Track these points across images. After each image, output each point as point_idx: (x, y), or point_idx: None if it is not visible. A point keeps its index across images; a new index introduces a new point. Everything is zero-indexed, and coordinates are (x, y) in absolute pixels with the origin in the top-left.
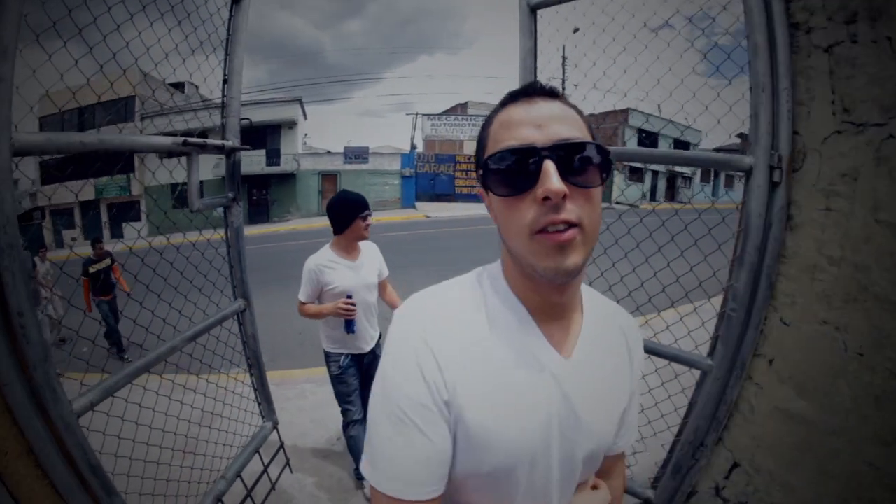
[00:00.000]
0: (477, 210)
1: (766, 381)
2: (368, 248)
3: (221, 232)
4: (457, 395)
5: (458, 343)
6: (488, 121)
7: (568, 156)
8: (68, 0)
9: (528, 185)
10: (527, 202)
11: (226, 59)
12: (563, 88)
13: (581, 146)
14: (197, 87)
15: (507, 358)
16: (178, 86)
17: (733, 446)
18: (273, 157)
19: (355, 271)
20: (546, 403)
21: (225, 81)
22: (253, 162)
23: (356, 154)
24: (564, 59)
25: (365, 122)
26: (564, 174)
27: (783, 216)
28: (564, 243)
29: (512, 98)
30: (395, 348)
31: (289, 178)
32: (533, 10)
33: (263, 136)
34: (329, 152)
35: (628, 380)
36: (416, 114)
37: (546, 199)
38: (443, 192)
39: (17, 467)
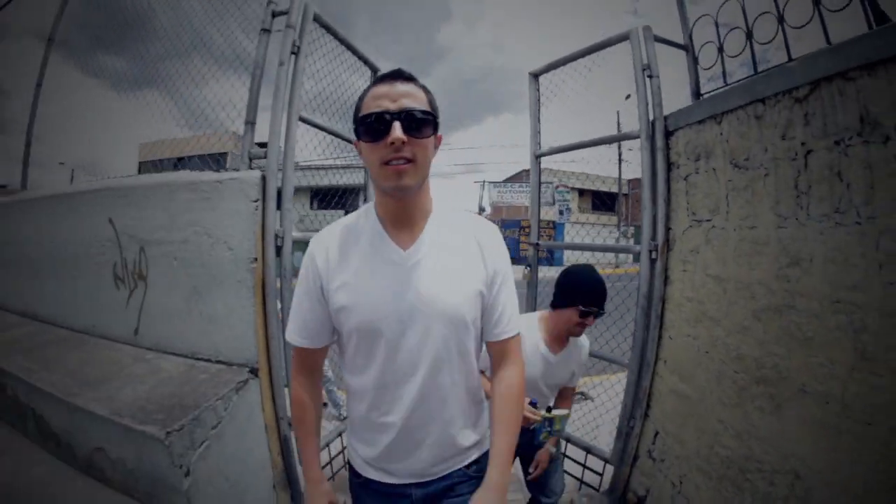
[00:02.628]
0: (544, 273)
1: (664, 373)
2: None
3: None
4: (329, 279)
5: (331, 246)
6: (364, 93)
7: (409, 118)
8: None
9: (382, 136)
10: (381, 146)
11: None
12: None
13: (416, 112)
14: (281, 147)
15: (363, 254)
16: (263, 145)
17: (655, 420)
18: None
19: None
20: (389, 280)
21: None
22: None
23: None
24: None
25: (436, 184)
26: (406, 130)
27: (662, 277)
28: (401, 171)
29: (380, 80)
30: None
31: None
32: (535, 77)
33: (342, 196)
34: None
35: (479, 268)
36: (483, 182)
37: (392, 143)
38: (511, 256)
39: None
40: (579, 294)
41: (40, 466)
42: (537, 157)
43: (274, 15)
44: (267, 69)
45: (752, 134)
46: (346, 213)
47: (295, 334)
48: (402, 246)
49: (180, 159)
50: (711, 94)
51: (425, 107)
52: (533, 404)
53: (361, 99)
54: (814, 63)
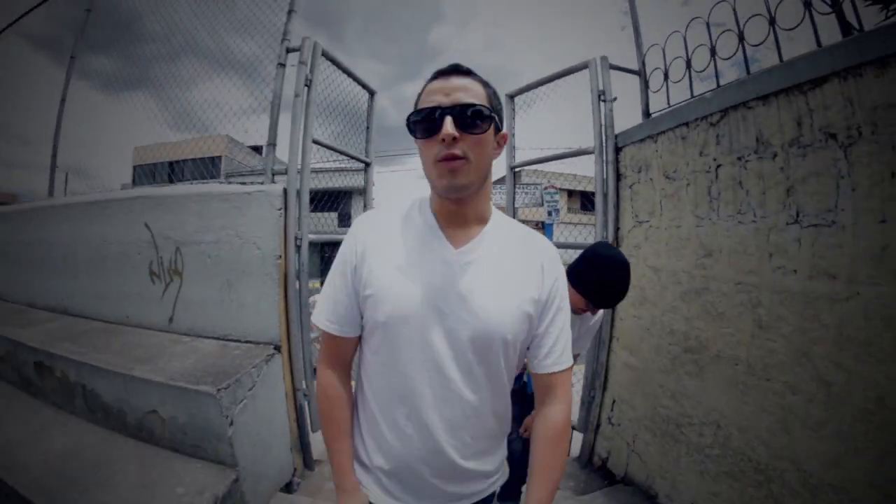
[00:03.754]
0: None
1: (617, 349)
2: None
3: None
4: (364, 262)
5: (375, 229)
6: (422, 89)
7: (462, 113)
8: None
9: (434, 132)
10: (434, 142)
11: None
12: None
13: (470, 106)
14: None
15: (409, 245)
16: (258, 149)
17: (612, 390)
18: (344, 219)
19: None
20: (433, 278)
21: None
22: (326, 224)
23: None
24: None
25: (425, 185)
26: (459, 125)
27: None
28: (454, 168)
29: (436, 75)
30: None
31: None
32: (511, 98)
33: (337, 199)
34: None
35: (534, 290)
36: (514, 167)
37: (443, 140)
38: None
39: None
40: (601, 294)
41: (90, 436)
42: (512, 169)
43: (288, 51)
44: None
45: (678, 151)
46: (340, 215)
47: (323, 317)
48: (454, 244)
49: (174, 163)
50: (655, 115)
51: (482, 101)
52: None
53: (419, 95)
54: (724, 94)
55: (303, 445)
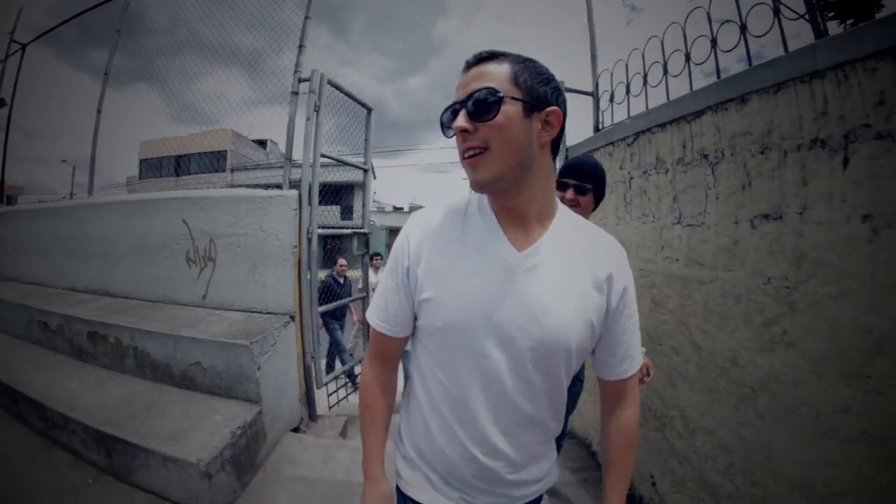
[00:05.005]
0: None
1: None
2: None
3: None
4: (419, 264)
5: (430, 228)
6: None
7: (474, 102)
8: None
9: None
10: (458, 141)
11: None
12: None
13: (476, 92)
14: (277, 143)
15: (469, 247)
16: (262, 143)
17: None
18: (347, 212)
19: None
20: (494, 283)
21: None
22: (330, 216)
23: None
24: None
25: (428, 178)
26: (473, 116)
27: None
28: (473, 163)
29: (464, 67)
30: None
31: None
32: None
33: (339, 193)
34: (395, 208)
35: (601, 295)
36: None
37: (458, 135)
38: None
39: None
40: (560, 171)
41: (141, 386)
42: None
43: (300, 81)
44: (276, 106)
45: (606, 164)
46: (342, 209)
47: (375, 316)
48: (516, 246)
49: (181, 157)
50: (602, 131)
51: (494, 83)
52: None
53: None
54: (636, 121)
55: (309, 400)
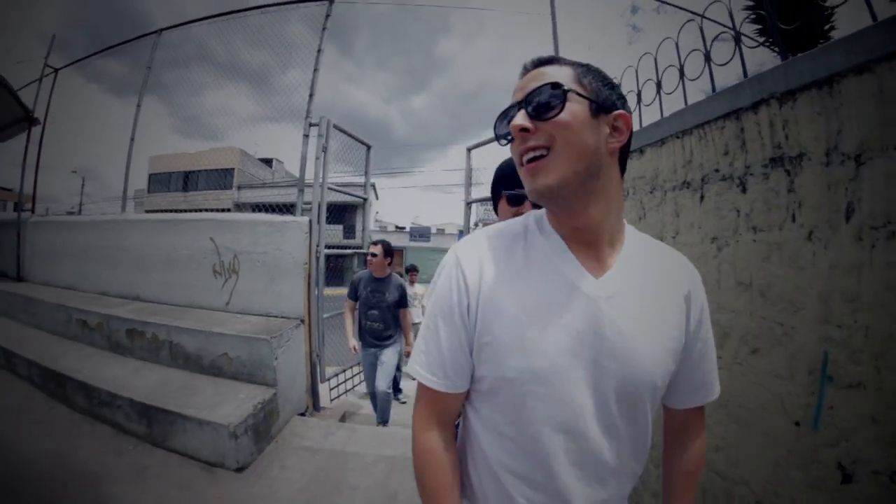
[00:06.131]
0: None
1: None
2: None
3: None
4: (480, 304)
5: (487, 257)
6: None
7: (532, 102)
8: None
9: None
10: (515, 146)
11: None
12: None
13: (535, 90)
14: (282, 162)
15: (537, 276)
16: (268, 161)
17: None
18: (349, 231)
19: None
20: (574, 318)
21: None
22: (333, 235)
23: (420, 234)
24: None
25: (430, 197)
26: (534, 114)
27: None
28: (534, 168)
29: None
30: (442, 268)
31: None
32: (469, 150)
33: (342, 213)
34: (397, 227)
35: (681, 322)
36: (469, 202)
37: (516, 137)
38: None
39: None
40: (500, 181)
41: (175, 374)
42: (468, 204)
43: (311, 125)
44: (281, 123)
45: None
46: (344, 227)
47: (424, 369)
48: (591, 272)
49: (189, 174)
50: None
51: (555, 79)
52: None
53: None
54: None
55: (313, 392)
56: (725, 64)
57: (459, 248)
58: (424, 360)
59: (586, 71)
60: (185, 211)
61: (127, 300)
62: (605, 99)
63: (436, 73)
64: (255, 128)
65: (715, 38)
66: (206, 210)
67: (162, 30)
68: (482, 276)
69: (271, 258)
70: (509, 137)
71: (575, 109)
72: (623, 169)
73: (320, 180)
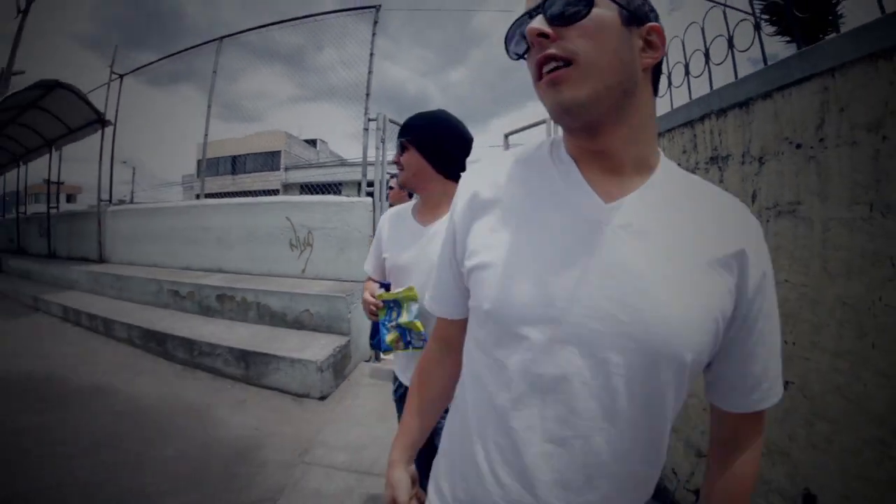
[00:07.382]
0: None
1: None
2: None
3: None
4: (471, 227)
5: (487, 181)
6: None
7: (552, 4)
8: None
9: (527, 44)
10: (531, 56)
11: None
12: None
13: None
14: (326, 142)
15: (534, 197)
16: (312, 142)
17: None
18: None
19: (419, 240)
20: (569, 246)
21: None
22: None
23: None
24: None
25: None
26: (554, 20)
27: None
28: (555, 78)
29: None
30: None
31: None
32: (506, 136)
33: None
34: None
35: (730, 283)
36: None
37: (534, 43)
38: None
39: None
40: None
41: (262, 328)
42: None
43: (369, 120)
44: (321, 103)
45: None
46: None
47: (427, 293)
48: (602, 197)
49: (236, 157)
50: None
51: None
52: (385, 287)
53: None
54: None
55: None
56: (746, 50)
57: (467, 173)
58: (431, 287)
59: None
60: (235, 194)
61: (210, 272)
62: (638, 8)
63: (474, 45)
64: (300, 108)
65: (736, 26)
66: (254, 192)
67: (223, 37)
68: (478, 198)
69: (341, 232)
70: (522, 53)
71: (603, 15)
72: (655, 91)
73: (380, 166)
